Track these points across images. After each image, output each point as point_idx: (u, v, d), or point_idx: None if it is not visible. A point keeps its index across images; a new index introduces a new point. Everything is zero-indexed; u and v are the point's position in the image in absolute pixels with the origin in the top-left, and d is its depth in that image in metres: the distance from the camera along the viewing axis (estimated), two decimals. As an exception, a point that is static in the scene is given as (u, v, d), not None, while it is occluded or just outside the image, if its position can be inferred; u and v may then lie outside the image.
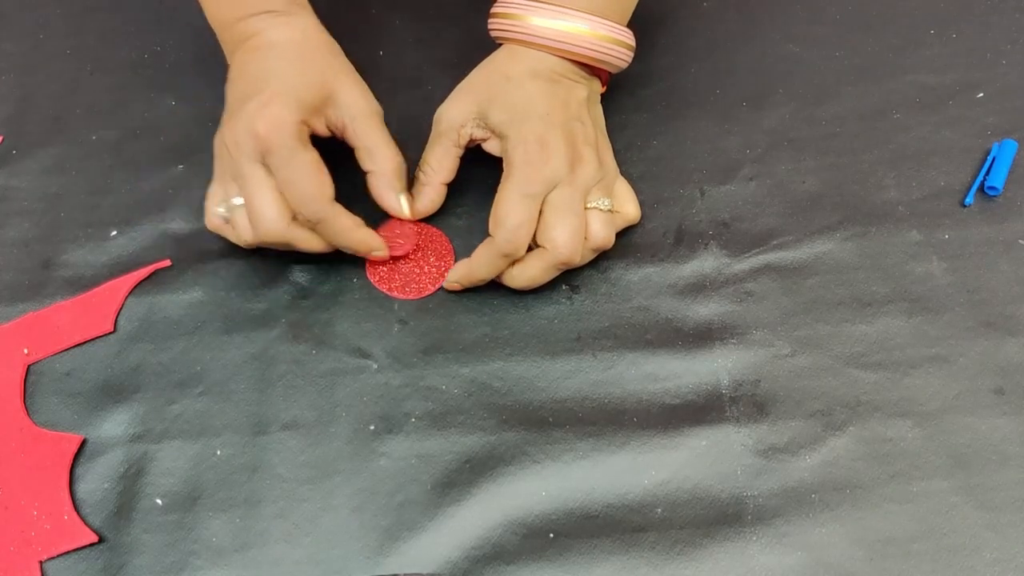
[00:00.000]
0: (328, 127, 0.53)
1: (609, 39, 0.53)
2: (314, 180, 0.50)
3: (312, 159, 0.50)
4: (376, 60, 0.64)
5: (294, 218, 0.50)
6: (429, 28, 0.66)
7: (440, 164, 0.55)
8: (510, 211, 0.50)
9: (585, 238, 0.51)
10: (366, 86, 0.54)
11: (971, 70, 0.61)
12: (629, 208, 0.54)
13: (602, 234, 0.52)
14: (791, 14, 0.64)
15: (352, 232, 0.52)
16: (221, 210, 0.53)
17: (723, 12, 0.65)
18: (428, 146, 0.55)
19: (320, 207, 0.50)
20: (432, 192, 0.55)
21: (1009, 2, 0.64)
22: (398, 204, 0.54)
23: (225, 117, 0.53)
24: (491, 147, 0.54)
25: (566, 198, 0.50)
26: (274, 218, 0.49)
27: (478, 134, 0.54)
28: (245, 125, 0.49)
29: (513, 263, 0.52)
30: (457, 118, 0.54)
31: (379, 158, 0.53)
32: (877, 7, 0.64)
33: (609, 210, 0.52)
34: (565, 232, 0.50)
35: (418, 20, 0.66)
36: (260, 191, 0.49)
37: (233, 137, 0.50)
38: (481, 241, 0.55)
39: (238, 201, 0.51)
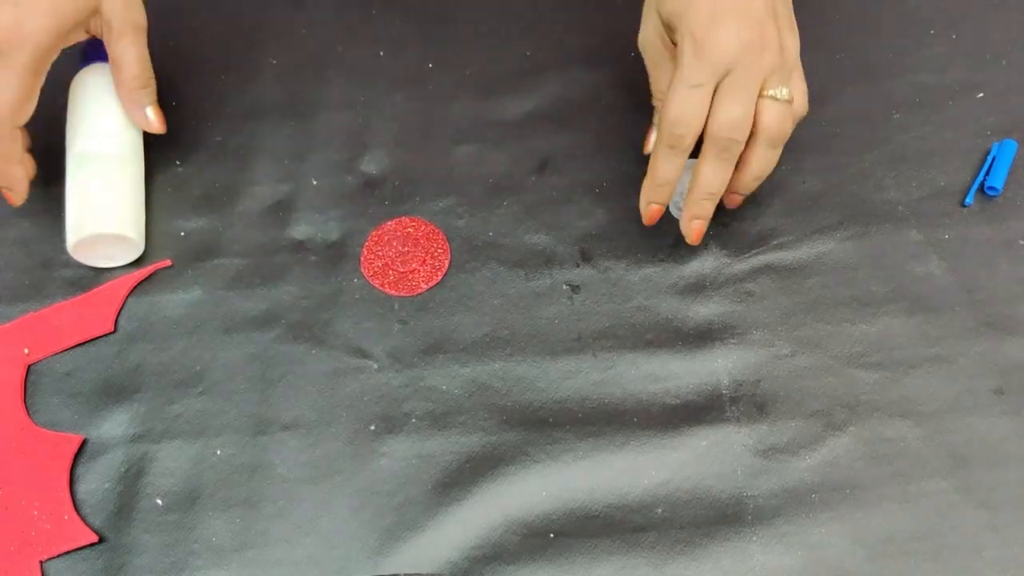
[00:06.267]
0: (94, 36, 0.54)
1: None
2: (11, 95, 0.50)
3: (25, 80, 0.50)
4: (376, 60, 0.64)
5: None
6: (429, 27, 0.66)
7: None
8: (671, 103, 0.48)
9: (759, 129, 0.49)
10: None
11: (971, 70, 0.61)
12: (797, 100, 0.50)
13: (775, 125, 0.48)
14: (791, 14, 0.64)
15: (7, 163, 0.52)
16: None
17: (723, 12, 0.65)
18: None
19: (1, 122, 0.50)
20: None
21: (1009, 2, 0.64)
22: (144, 116, 0.56)
23: None
24: None
25: (735, 84, 0.47)
26: None
27: (671, 36, 0.51)
28: None
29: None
30: (649, 36, 0.53)
31: (123, 70, 0.54)
32: (877, 7, 0.64)
33: (787, 100, 0.49)
34: (721, 116, 0.47)
35: (418, 20, 0.66)
36: None
37: None
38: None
39: None
